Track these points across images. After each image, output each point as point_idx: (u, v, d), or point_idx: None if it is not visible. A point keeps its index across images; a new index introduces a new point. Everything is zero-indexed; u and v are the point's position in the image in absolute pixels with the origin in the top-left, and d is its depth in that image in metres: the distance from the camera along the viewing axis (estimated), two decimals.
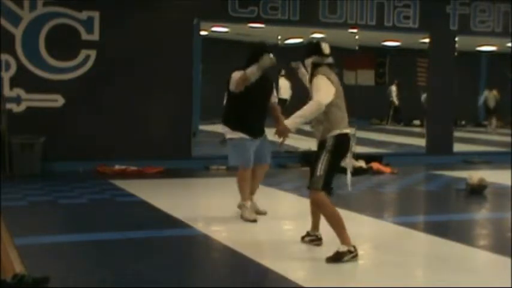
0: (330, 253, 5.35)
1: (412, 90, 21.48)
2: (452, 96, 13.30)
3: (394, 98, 23.05)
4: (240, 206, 7.12)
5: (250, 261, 5.46)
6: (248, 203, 7.02)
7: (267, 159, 7.21)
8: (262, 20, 11.89)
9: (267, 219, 7.06)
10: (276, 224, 7.04)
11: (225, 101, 7.33)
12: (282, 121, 5.95)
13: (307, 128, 6.80)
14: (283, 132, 5.48)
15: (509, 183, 9.64)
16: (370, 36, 13.48)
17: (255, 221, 6.89)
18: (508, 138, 16.36)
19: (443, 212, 8.24)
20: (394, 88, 22.78)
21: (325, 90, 5.42)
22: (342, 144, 5.51)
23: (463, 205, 8.87)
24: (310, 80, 5.61)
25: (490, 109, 22.75)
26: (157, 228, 6.73)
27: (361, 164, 11.06)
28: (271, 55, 6.73)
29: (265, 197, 7.99)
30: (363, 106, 15.09)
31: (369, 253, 5.85)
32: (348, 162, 5.71)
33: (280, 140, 5.76)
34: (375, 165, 11.32)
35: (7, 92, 10.21)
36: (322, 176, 5.42)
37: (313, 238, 5.94)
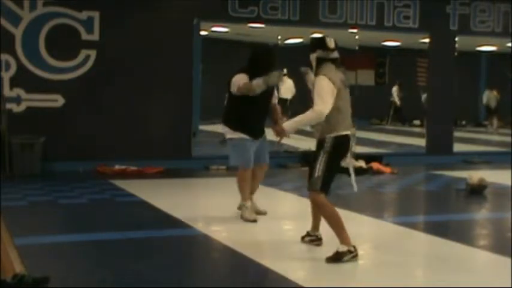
0: (330, 253, 5.35)
1: (412, 90, 21.52)
2: (452, 96, 13.30)
3: (395, 98, 23.07)
4: (240, 207, 7.12)
5: (250, 261, 5.46)
6: (248, 203, 7.02)
7: (266, 159, 7.22)
8: (262, 20, 11.88)
9: (267, 219, 7.06)
10: (276, 224, 7.04)
11: (225, 101, 7.32)
12: (280, 123, 6.04)
13: (308, 128, 6.80)
14: (280, 133, 5.59)
15: (509, 183, 9.64)
16: (370, 36, 13.50)
17: (255, 221, 6.89)
18: (507, 138, 16.37)
19: (443, 212, 8.24)
20: (395, 88, 22.82)
21: (326, 97, 5.33)
22: (340, 145, 5.47)
23: (463, 205, 8.86)
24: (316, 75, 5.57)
25: (491, 109, 22.75)
26: (157, 228, 6.73)
27: (361, 164, 11.06)
28: (280, 71, 6.74)
29: (265, 197, 7.99)
30: (363, 106, 15.04)
31: (369, 253, 5.85)
32: (349, 162, 5.68)
33: (278, 139, 5.82)
34: (375, 165, 11.32)
35: (7, 92, 10.21)
36: (320, 177, 5.41)
37: (313, 238, 5.94)
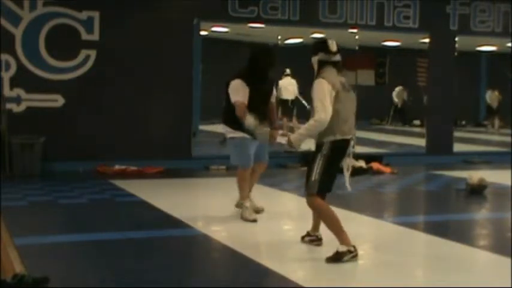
0: (330, 253, 5.35)
1: (412, 91, 21.49)
2: (452, 96, 13.30)
3: (396, 99, 23.10)
4: (238, 205, 7.14)
5: (250, 261, 5.46)
6: (248, 203, 7.02)
7: (266, 157, 7.25)
8: (262, 20, 11.88)
9: (267, 219, 7.06)
10: (276, 224, 7.04)
11: (225, 102, 7.33)
12: (276, 124, 6.46)
13: None
14: (276, 140, 6.13)
15: (509, 183, 9.64)
16: (370, 36, 13.48)
17: (255, 221, 6.89)
18: (508, 138, 16.37)
19: (443, 212, 8.24)
20: (397, 89, 22.86)
21: (326, 102, 5.28)
22: (338, 149, 5.43)
23: (463, 205, 8.86)
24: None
25: (492, 109, 22.77)
26: (157, 228, 6.73)
27: (361, 164, 11.06)
28: (252, 120, 6.43)
29: (265, 197, 8.00)
30: (363, 106, 15.06)
31: (369, 253, 5.85)
32: (347, 163, 5.66)
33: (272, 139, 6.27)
34: (375, 165, 11.32)
35: (7, 92, 10.21)
36: (318, 180, 5.39)
37: (313, 238, 5.94)
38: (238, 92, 6.80)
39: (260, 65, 6.91)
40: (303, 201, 5.66)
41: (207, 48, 15.47)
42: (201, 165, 11.15)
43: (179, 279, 4.97)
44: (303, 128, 5.48)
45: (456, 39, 13.17)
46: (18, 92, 10.32)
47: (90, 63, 10.63)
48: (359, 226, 6.69)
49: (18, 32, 10.31)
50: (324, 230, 5.78)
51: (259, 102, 6.91)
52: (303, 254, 5.78)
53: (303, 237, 6.01)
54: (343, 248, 5.32)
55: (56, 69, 10.48)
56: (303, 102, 15.71)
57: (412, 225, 7.03)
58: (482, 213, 8.37)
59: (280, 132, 8.34)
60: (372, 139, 16.41)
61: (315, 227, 5.94)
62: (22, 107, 10.35)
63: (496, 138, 19.69)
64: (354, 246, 5.37)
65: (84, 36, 10.61)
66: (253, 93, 6.83)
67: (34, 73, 10.38)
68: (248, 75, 6.88)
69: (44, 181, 9.52)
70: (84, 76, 10.61)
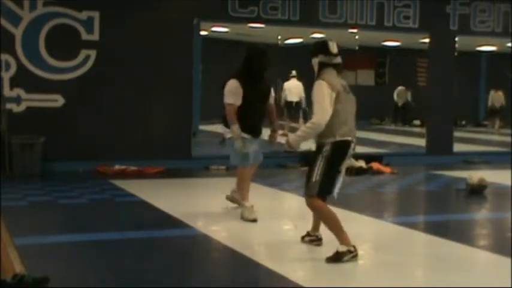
0: (330, 253, 5.35)
1: (412, 90, 21.54)
2: (452, 96, 13.30)
3: (396, 99, 23.13)
4: (229, 198, 7.35)
5: (250, 261, 5.46)
6: (248, 203, 7.03)
7: (260, 157, 7.34)
8: (262, 20, 11.88)
9: (267, 219, 7.06)
10: (276, 224, 7.04)
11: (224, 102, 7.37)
12: (276, 125, 6.68)
13: None
14: (276, 139, 6.32)
15: (509, 183, 9.64)
16: (370, 36, 13.50)
17: (255, 220, 6.89)
18: (508, 138, 16.37)
19: (443, 212, 8.24)
20: (398, 89, 22.91)
21: (325, 104, 5.27)
22: (339, 150, 5.41)
23: (463, 205, 8.86)
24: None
25: (494, 109, 22.78)
26: (157, 228, 6.73)
27: (361, 164, 11.06)
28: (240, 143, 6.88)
29: (265, 197, 8.00)
30: (362, 106, 15.07)
31: (369, 253, 5.85)
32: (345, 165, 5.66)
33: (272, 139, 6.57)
34: (375, 165, 11.32)
35: (7, 92, 10.21)
36: (318, 181, 5.38)
37: (313, 238, 5.94)
38: (231, 93, 6.95)
39: (254, 66, 7.01)
40: (303, 201, 5.66)
41: (207, 48, 15.46)
42: (201, 165, 11.15)
43: (179, 279, 4.97)
44: (300, 130, 5.52)
45: (456, 39, 13.17)
46: (18, 92, 10.32)
47: (90, 63, 10.63)
48: (359, 226, 6.69)
49: (18, 32, 10.31)
50: (324, 230, 5.78)
51: (256, 101, 7.02)
52: (303, 254, 5.78)
53: (303, 237, 6.01)
54: (343, 248, 5.32)
55: (56, 69, 10.48)
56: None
57: (412, 225, 7.03)
58: (482, 213, 8.37)
59: (281, 132, 8.43)
60: (372, 139, 16.40)
61: (315, 227, 5.94)
62: (22, 107, 10.35)
63: (496, 138, 19.69)
64: (354, 246, 5.37)
65: (84, 36, 10.61)
66: (249, 93, 6.94)
67: (34, 73, 10.38)
68: (243, 76, 7.00)
69: (44, 181, 9.52)
70: (84, 76, 10.61)
